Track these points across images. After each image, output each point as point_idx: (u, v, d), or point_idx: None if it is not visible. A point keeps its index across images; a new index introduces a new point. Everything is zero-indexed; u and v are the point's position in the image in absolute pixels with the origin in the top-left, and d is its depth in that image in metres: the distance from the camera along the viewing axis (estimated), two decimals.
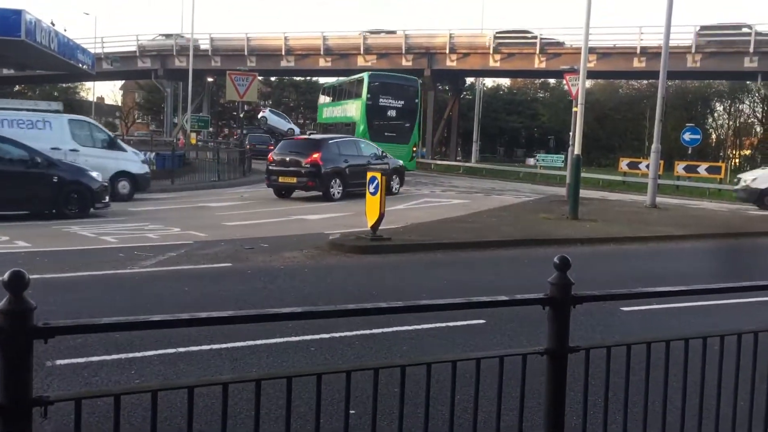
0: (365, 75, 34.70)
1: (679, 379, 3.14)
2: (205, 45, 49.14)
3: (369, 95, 33.14)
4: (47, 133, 18.38)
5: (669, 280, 9.62)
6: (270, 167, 20.94)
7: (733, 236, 15.61)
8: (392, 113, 33.70)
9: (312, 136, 24.58)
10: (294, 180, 20.22)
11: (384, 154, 22.97)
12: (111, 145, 19.86)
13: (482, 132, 56.33)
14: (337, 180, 20.27)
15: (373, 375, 2.57)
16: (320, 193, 20.13)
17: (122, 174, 19.29)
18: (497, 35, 45.18)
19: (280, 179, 20.48)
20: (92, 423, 4.10)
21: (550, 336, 2.79)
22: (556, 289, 2.76)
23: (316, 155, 20.02)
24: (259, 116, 61.69)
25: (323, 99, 42.97)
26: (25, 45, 21.77)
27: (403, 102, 33.90)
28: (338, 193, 20.22)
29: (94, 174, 15.49)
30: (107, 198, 15.62)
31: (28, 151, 14.79)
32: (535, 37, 44.06)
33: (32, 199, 14.75)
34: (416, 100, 34.82)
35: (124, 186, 19.24)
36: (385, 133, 30.67)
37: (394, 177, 23.17)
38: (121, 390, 2.30)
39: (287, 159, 20.51)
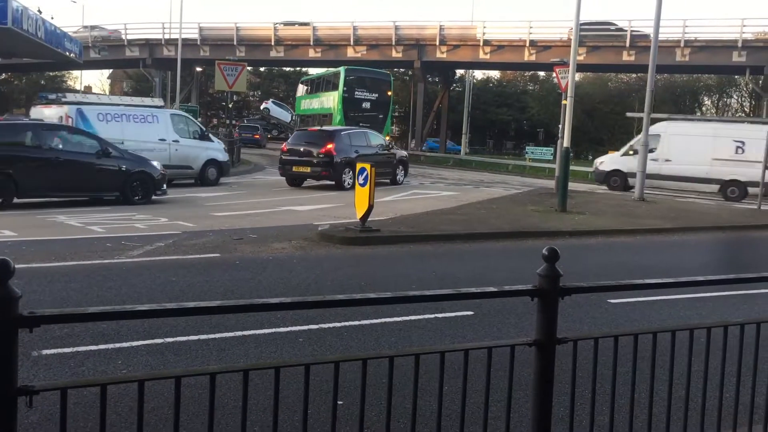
0: (342, 69, 36.49)
1: (665, 371, 3.16)
2: (193, 34, 48.68)
3: (345, 88, 35.03)
4: (155, 126, 20.38)
5: (656, 273, 9.67)
6: (283, 157, 21.59)
7: (721, 229, 15.72)
8: (367, 105, 35.63)
9: (325, 128, 25.15)
10: (308, 169, 20.94)
11: (391, 144, 23.18)
12: (202, 136, 21.96)
13: (472, 124, 56.26)
14: (348, 169, 20.55)
15: (362, 366, 2.56)
16: (332, 182, 20.73)
17: (211, 162, 21.47)
18: (584, 26, 43.38)
19: (294, 168, 21.22)
20: (78, 413, 4.08)
21: (539, 327, 2.79)
22: (544, 281, 2.77)
23: (329, 146, 20.66)
24: (262, 107, 61.67)
25: (301, 91, 44.28)
26: (11, 33, 21.57)
27: (377, 95, 36.01)
28: (350, 182, 20.42)
29: (155, 163, 16.46)
30: (165, 186, 16.45)
31: (99, 141, 15.64)
32: (621, 29, 41.46)
33: (102, 186, 15.57)
34: (389, 93, 36.88)
35: (212, 173, 21.47)
36: (360, 124, 31.30)
37: (399, 168, 23.43)
38: (107, 380, 2.28)
39: (301, 149, 21.21)
